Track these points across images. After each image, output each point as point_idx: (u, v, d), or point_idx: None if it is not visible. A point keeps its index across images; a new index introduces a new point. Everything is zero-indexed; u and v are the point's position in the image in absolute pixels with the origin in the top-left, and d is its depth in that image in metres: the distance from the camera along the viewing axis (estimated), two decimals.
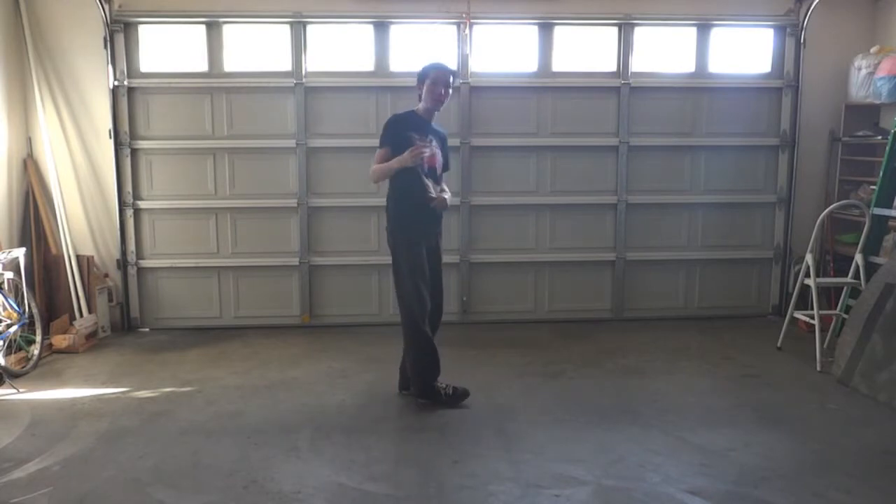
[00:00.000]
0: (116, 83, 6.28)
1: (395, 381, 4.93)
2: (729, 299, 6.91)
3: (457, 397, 4.66)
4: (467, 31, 6.35)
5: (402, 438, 4.21)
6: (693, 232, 6.83)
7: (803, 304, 6.03)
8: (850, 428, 4.37)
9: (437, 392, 4.63)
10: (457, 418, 4.52)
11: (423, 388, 4.63)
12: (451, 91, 4.61)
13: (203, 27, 6.35)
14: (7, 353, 5.26)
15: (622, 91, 6.58)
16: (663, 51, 6.64)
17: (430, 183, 4.55)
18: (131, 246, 6.48)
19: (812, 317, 5.60)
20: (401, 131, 4.50)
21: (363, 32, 6.46)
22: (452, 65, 6.20)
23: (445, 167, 4.73)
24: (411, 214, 4.56)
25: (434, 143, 4.58)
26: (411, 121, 4.57)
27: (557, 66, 6.58)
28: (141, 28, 6.34)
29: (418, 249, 4.54)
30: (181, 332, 6.45)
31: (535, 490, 3.59)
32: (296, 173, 6.50)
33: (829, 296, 6.47)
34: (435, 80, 4.53)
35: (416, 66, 6.26)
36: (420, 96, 4.61)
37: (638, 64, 6.59)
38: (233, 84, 6.40)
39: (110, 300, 6.48)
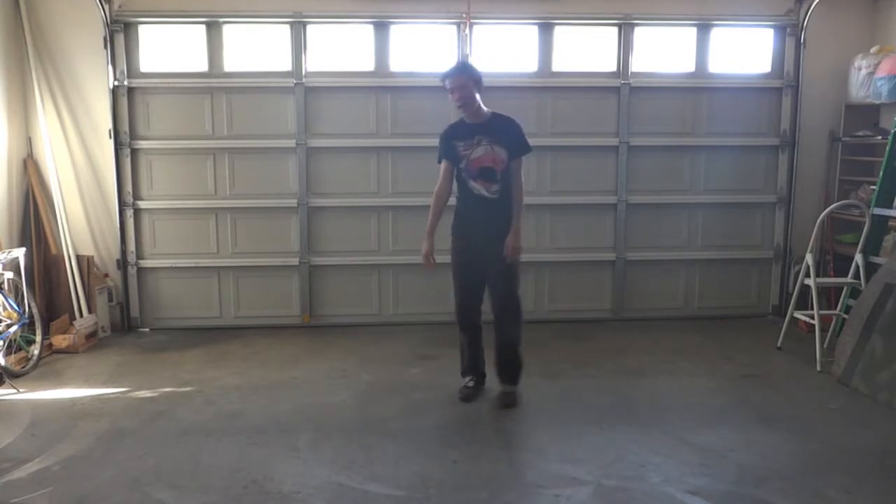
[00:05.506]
0: (116, 83, 6.28)
1: (395, 380, 4.98)
2: (729, 299, 6.90)
3: (464, 393, 4.79)
4: (467, 31, 6.34)
5: (402, 438, 4.21)
6: (693, 232, 6.82)
7: (803, 304, 6.02)
8: (850, 428, 4.37)
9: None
10: (457, 418, 4.53)
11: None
12: (457, 93, 4.56)
13: (203, 27, 6.35)
14: (7, 353, 5.26)
15: (622, 91, 6.57)
16: (663, 51, 6.63)
17: (479, 184, 4.61)
18: (131, 246, 6.48)
19: (812, 317, 5.60)
20: (445, 142, 4.68)
21: (363, 32, 6.45)
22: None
23: (519, 151, 4.65)
24: (456, 218, 4.75)
25: (484, 141, 4.58)
26: (458, 129, 4.69)
27: (557, 66, 6.57)
28: (141, 28, 6.34)
29: (457, 248, 4.72)
30: (181, 332, 6.44)
31: (535, 490, 3.59)
32: (296, 173, 6.49)
33: (829, 296, 6.46)
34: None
35: (417, 67, 6.44)
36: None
37: (638, 64, 6.59)
38: (233, 84, 6.39)
39: (110, 300, 6.47)
